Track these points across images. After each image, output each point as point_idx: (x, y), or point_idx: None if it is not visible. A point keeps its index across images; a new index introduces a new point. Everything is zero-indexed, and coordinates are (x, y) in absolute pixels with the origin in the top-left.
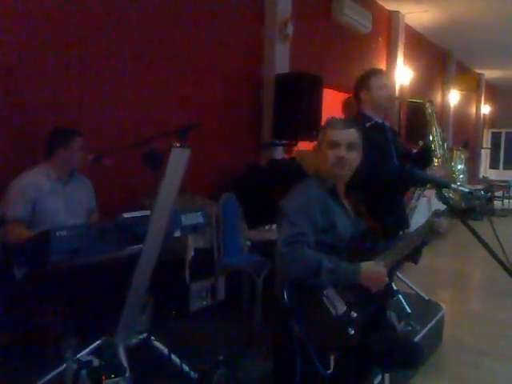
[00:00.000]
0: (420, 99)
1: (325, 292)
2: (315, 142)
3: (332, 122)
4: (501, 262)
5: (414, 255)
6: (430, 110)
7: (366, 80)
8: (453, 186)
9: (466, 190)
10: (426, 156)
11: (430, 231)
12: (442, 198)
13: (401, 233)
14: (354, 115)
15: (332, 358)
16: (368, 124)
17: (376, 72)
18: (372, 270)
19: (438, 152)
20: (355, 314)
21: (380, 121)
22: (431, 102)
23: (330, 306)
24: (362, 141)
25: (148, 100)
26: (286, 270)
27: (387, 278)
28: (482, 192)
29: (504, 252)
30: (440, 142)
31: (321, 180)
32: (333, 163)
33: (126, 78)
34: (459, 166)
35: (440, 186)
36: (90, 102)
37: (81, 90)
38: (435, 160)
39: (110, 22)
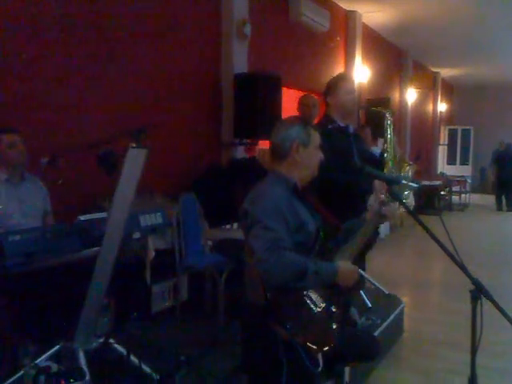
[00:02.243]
0: (382, 109)
1: (305, 292)
2: (296, 143)
3: (314, 126)
4: (451, 256)
5: (371, 242)
6: (389, 121)
7: (334, 85)
8: (403, 181)
9: (415, 185)
10: (379, 163)
11: (379, 217)
12: (393, 194)
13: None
14: (320, 118)
15: (320, 355)
16: (330, 126)
17: (344, 77)
18: (346, 268)
19: (389, 165)
20: (334, 309)
21: (343, 124)
22: (393, 112)
23: (311, 304)
24: (323, 142)
25: (104, 101)
26: (269, 277)
27: (359, 274)
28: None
29: (454, 246)
30: (391, 152)
31: (282, 179)
32: (317, 166)
33: (81, 79)
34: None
35: (391, 182)
36: (44, 103)
37: (34, 91)
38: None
39: (65, 21)
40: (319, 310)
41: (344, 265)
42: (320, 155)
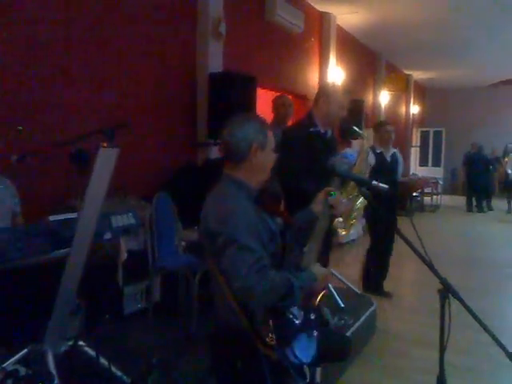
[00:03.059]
0: (361, 134)
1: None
2: (255, 145)
3: (268, 124)
4: (420, 256)
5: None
6: (361, 157)
7: (330, 93)
8: (373, 183)
9: (385, 186)
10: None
11: (330, 209)
12: (363, 194)
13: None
14: (303, 117)
15: (306, 366)
16: (312, 129)
17: (345, 91)
18: (322, 273)
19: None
20: (313, 316)
21: (323, 131)
22: (363, 133)
23: (293, 318)
24: (300, 144)
25: (77, 99)
26: (259, 302)
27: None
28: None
29: (423, 247)
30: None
31: (243, 187)
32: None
33: (55, 77)
34: (358, 205)
35: (361, 183)
36: (13, 101)
37: (4, 90)
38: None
39: (36, 19)
40: (300, 321)
41: (319, 271)
42: (274, 156)
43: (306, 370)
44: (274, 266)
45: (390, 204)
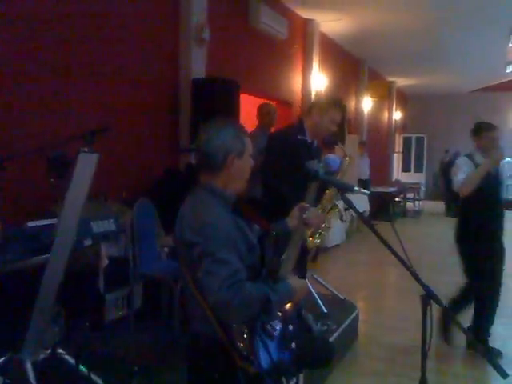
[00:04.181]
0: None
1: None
2: (232, 154)
3: (245, 129)
4: (402, 261)
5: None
6: (346, 164)
7: (328, 105)
8: (355, 188)
9: (367, 192)
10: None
11: (303, 224)
12: (345, 200)
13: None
14: (293, 123)
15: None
16: (300, 137)
17: (340, 107)
18: (299, 285)
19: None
20: (291, 327)
21: (310, 140)
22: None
23: (270, 329)
24: (286, 149)
25: (57, 103)
26: (234, 316)
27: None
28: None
29: (405, 252)
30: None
31: (220, 196)
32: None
33: (31, 81)
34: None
35: (344, 189)
36: None
37: None
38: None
39: (20, 25)
40: (278, 332)
41: (296, 282)
42: (251, 162)
43: (284, 381)
44: (252, 277)
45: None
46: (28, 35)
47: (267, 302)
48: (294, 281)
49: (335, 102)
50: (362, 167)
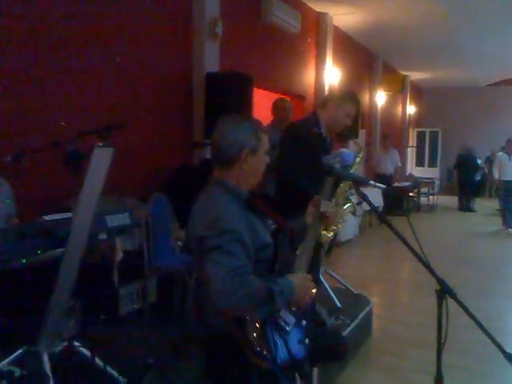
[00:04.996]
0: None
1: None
2: (246, 150)
3: (262, 125)
4: (417, 256)
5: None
6: (359, 158)
7: (343, 99)
8: (370, 182)
9: (382, 186)
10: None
11: (321, 219)
12: (360, 194)
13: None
14: (308, 116)
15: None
16: (315, 130)
17: (353, 99)
18: (300, 281)
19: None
20: (304, 322)
21: (325, 134)
22: (363, 150)
23: (283, 324)
24: (303, 141)
25: (72, 99)
26: (235, 307)
27: (315, 285)
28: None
29: (420, 246)
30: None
31: (232, 192)
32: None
33: (47, 77)
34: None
35: (359, 182)
36: (7, 102)
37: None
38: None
39: (34, 20)
40: (291, 327)
41: (298, 279)
42: (267, 159)
43: (297, 379)
44: (265, 271)
45: None
46: (46, 31)
47: (268, 292)
48: (298, 278)
49: (351, 95)
50: (383, 162)
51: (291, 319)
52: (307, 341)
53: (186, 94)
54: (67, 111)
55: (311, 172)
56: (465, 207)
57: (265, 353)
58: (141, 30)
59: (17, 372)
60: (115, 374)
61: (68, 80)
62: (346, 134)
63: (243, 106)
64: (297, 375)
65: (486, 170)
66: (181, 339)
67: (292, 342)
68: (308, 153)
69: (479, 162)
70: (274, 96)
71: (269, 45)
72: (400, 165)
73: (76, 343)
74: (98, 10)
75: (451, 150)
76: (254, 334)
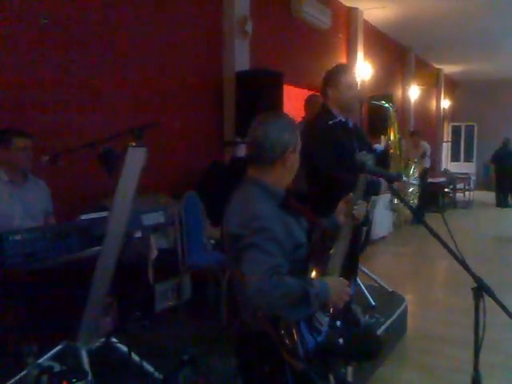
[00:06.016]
0: (382, 102)
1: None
2: (291, 147)
3: (296, 122)
4: (453, 254)
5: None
6: (391, 112)
7: (335, 77)
8: (404, 178)
9: (416, 182)
10: (384, 161)
11: (353, 220)
12: (394, 191)
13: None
14: (319, 111)
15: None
16: (331, 122)
17: (345, 69)
18: (336, 284)
19: (394, 162)
20: (339, 323)
21: (343, 119)
22: (392, 105)
23: (316, 323)
24: (322, 138)
25: (106, 100)
26: (271, 306)
27: (349, 288)
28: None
29: (456, 244)
30: (398, 151)
31: (268, 192)
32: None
33: (84, 79)
34: (414, 181)
35: (391, 179)
36: (45, 103)
37: (36, 91)
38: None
39: (61, 22)
40: (324, 326)
41: (332, 281)
42: (299, 158)
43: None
44: (299, 271)
45: None
46: (79, 32)
47: (305, 295)
48: (332, 281)
49: (339, 68)
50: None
51: (325, 320)
52: (341, 341)
53: (217, 92)
54: (102, 112)
55: (344, 164)
56: (502, 203)
57: (299, 353)
58: (172, 30)
59: (56, 367)
60: (151, 369)
61: (103, 82)
62: (377, 103)
63: (274, 103)
64: (331, 376)
65: None
66: (215, 335)
67: (325, 343)
68: (331, 147)
69: None
70: (303, 92)
71: (299, 41)
72: (428, 155)
73: (113, 339)
74: (132, 11)
75: (487, 145)
76: (288, 334)
